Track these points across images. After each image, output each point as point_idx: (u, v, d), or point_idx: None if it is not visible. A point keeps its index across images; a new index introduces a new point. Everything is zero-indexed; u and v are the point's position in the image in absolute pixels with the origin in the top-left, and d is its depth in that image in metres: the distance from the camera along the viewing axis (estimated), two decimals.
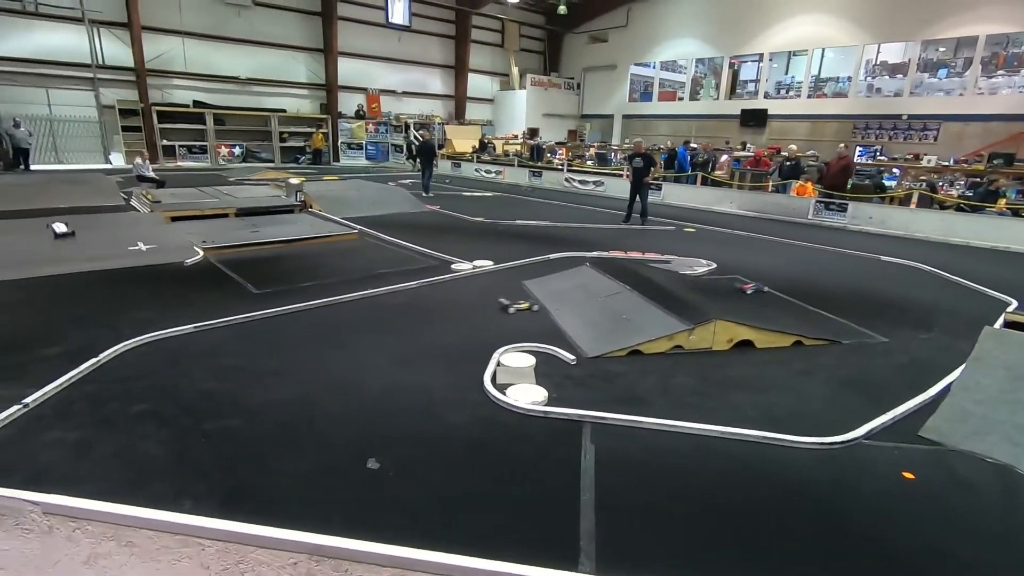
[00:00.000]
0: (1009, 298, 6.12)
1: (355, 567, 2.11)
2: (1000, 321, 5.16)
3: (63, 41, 16.85)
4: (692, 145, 16.62)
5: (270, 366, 3.89)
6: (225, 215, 9.21)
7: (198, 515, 2.31)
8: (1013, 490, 2.81)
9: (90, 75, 17.33)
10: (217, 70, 20.02)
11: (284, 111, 21.46)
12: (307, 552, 2.16)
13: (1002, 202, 10.06)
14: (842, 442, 3.14)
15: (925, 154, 15.69)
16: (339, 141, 22.88)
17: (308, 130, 21.87)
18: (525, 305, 5.26)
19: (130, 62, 17.92)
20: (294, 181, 11.30)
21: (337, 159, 22.75)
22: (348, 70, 22.82)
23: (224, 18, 19.71)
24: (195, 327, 4.46)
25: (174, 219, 8.73)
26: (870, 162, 15.71)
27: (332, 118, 22.50)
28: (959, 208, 10.44)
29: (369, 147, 23.65)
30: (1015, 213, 9.85)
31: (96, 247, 6.79)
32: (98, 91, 17.55)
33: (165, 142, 18.80)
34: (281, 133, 21.21)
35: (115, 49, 17.73)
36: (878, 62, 20.33)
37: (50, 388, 3.36)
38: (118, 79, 17.93)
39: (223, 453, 2.85)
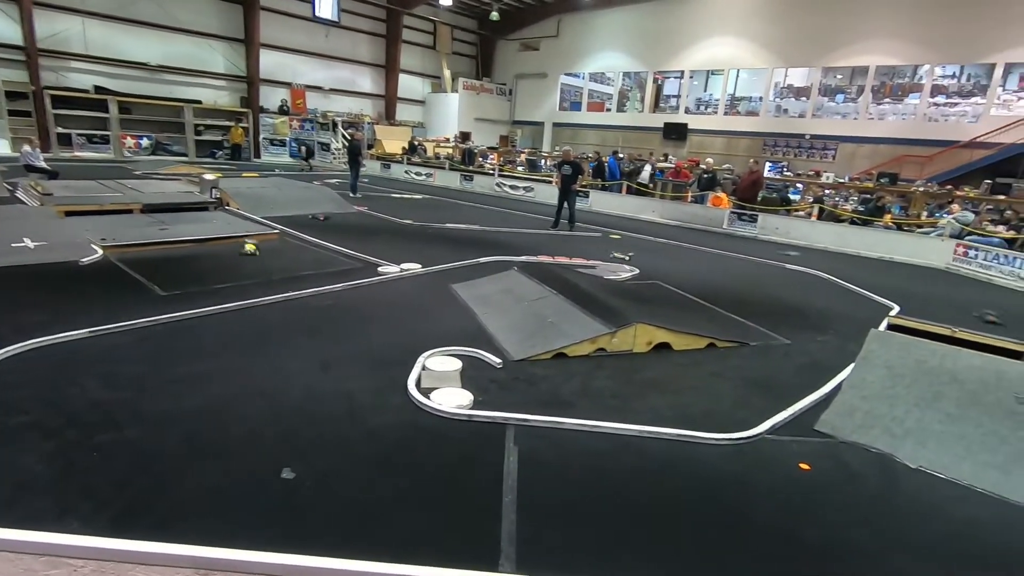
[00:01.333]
0: (892, 303, 6.79)
1: None
2: (884, 324, 5.70)
3: None
4: (620, 155, 17.25)
5: (177, 373, 3.63)
6: (129, 211, 8.52)
7: (71, 533, 2.12)
8: (891, 477, 3.12)
9: None
10: (123, 55, 18.50)
11: (200, 102, 20.16)
12: (195, 567, 2.03)
13: (887, 217, 11.15)
14: (747, 437, 3.36)
15: (824, 171, 17.18)
16: (260, 137, 21.81)
17: (226, 124, 20.66)
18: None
19: (19, 39, 16.22)
20: (209, 177, 10.66)
21: (258, 155, 21.66)
22: (271, 63, 21.83)
23: None
24: (91, 331, 4.09)
25: (68, 214, 7.97)
26: (778, 177, 16.92)
27: (253, 112, 21.41)
28: (852, 221, 11.47)
29: (293, 144, 22.69)
30: (898, 227, 10.96)
31: None
32: None
33: (60, 129, 17.13)
34: (196, 126, 19.89)
35: (1, 25, 15.98)
36: (785, 85, 22.03)
37: None
38: (4, 58, 16.17)
39: (116, 468, 2.63)
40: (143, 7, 18.54)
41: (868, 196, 12.72)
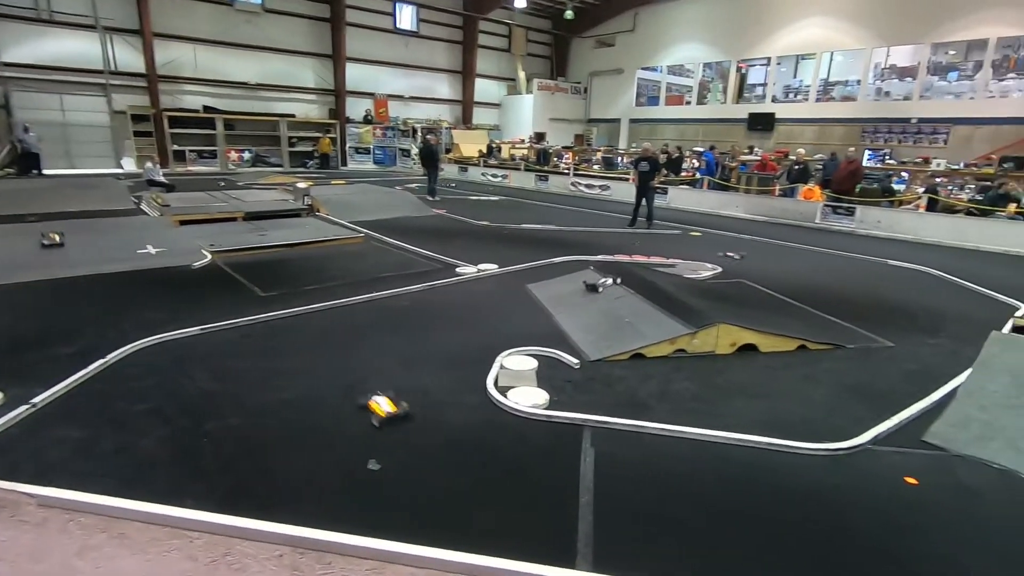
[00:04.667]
0: (1018, 302, 6.05)
1: (337, 559, 2.14)
2: (1008, 326, 5.10)
3: (77, 48, 17.13)
4: (719, 151, 16.40)
5: (275, 367, 3.92)
6: (233, 219, 9.30)
7: (186, 508, 2.34)
8: (1017, 496, 2.78)
9: (102, 81, 17.59)
10: (227, 75, 20.25)
11: (293, 116, 21.66)
12: (292, 545, 2.18)
13: (1012, 206, 9.94)
14: (847, 448, 3.12)
15: (934, 158, 15.58)
16: (347, 146, 23.04)
17: (316, 135, 22.04)
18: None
19: (142, 68, 18.18)
20: (302, 185, 11.41)
21: (345, 163, 22.90)
22: (356, 75, 23.00)
23: (234, 24, 19.94)
24: (201, 329, 4.51)
25: (183, 223, 8.82)
26: (879, 166, 15.58)
27: (340, 123, 22.67)
28: (969, 212, 10.33)
29: (376, 151, 23.79)
30: None
31: (106, 250, 6.88)
32: (110, 97, 17.81)
33: (176, 147, 19.02)
34: (290, 138, 21.39)
35: (127, 55, 17.99)
36: (887, 65, 20.21)
37: (58, 388, 3.41)
38: (130, 84, 18.18)
39: (223, 452, 2.88)
40: (243, 30, 20.19)
41: (988, 183, 11.41)
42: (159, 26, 18.27)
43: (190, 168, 19.05)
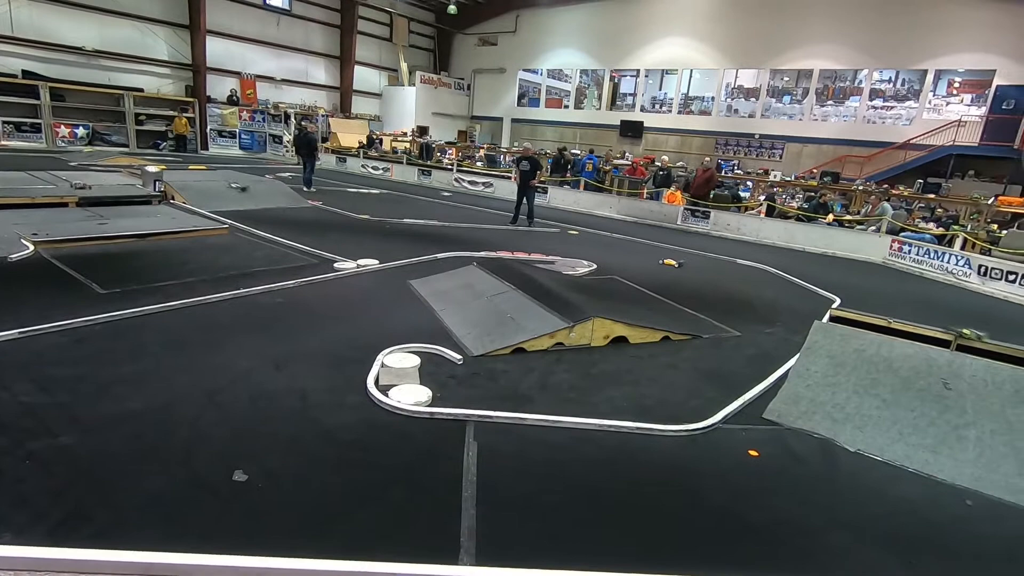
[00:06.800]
0: (834, 296, 7.14)
1: None
2: (827, 316, 5.99)
3: None
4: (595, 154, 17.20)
5: (119, 374, 3.46)
6: (64, 204, 8.02)
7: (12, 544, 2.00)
8: (832, 460, 3.28)
9: None
10: (55, 38, 17.38)
11: (141, 90, 19.17)
12: (141, 572, 1.94)
13: (830, 216, 11.70)
14: (702, 428, 3.47)
15: (773, 170, 17.85)
16: (208, 128, 20.94)
17: (170, 113, 19.71)
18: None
19: None
20: (152, 169, 10.15)
21: (205, 147, 20.79)
22: (219, 51, 20.97)
23: None
24: (21, 332, 3.84)
25: None
26: (729, 175, 17.49)
27: (200, 102, 20.51)
28: (798, 218, 11.97)
29: (244, 136, 21.90)
30: (840, 224, 11.52)
31: None
32: None
33: None
34: (137, 115, 18.89)
35: None
36: (736, 85, 22.74)
37: None
38: None
39: (53, 476, 2.49)
40: None
41: (812, 194, 13.31)
42: None
43: (5, 143, 16.12)
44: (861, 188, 13.67)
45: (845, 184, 14.56)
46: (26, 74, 16.80)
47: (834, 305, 6.62)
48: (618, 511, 2.66)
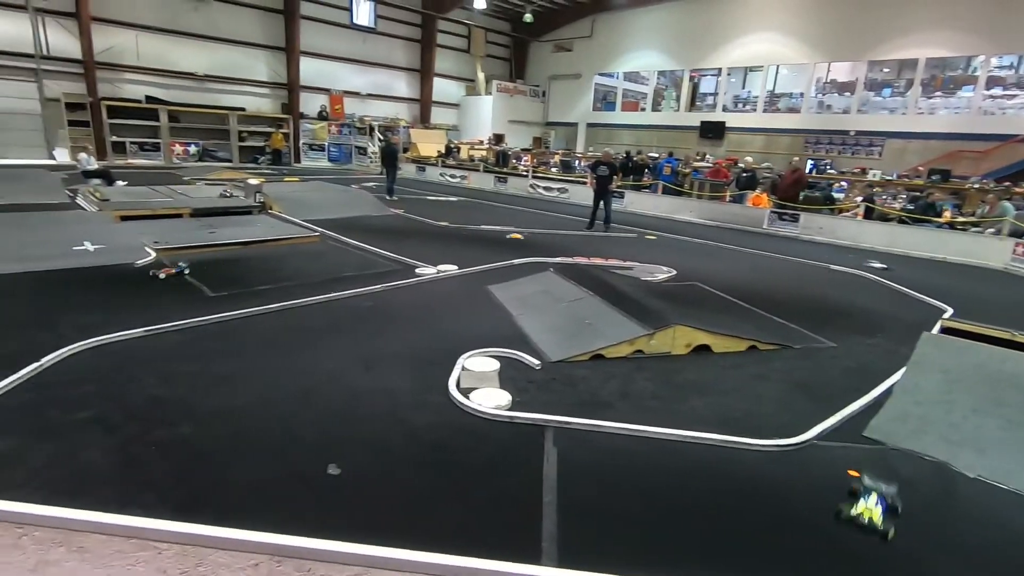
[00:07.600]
0: (945, 305, 6.49)
1: (318, 566, 2.08)
2: (937, 327, 5.47)
3: (5, 29, 15.98)
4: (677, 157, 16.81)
5: (226, 371, 3.78)
6: (179, 215, 8.89)
7: (155, 518, 2.23)
8: (948, 486, 2.98)
9: (33, 66, 16.45)
10: (172, 65, 19.35)
11: (243, 110, 20.91)
12: (268, 553, 2.11)
13: (947, 214, 10.66)
14: (795, 444, 3.27)
15: (871, 168, 16.55)
16: (300, 142, 22.43)
17: (268, 130, 21.35)
18: None
19: (78, 54, 17.15)
20: (253, 182, 11.02)
21: (298, 160, 22.28)
22: (310, 70, 22.44)
23: (180, 12, 19.10)
24: (145, 331, 4.29)
25: (124, 218, 8.37)
26: (820, 176, 16.42)
27: (293, 118, 22.05)
28: (901, 221, 11.02)
29: (332, 149, 23.26)
30: (951, 226, 10.48)
31: (36, 246, 6.45)
32: (41, 83, 16.66)
33: (115, 138, 18.03)
34: (240, 132, 20.64)
35: (62, 40, 16.93)
36: (828, 80, 21.34)
37: None
38: (64, 71, 17.11)
39: (174, 461, 2.75)
40: (191, 19, 19.36)
41: (918, 194, 12.20)
42: (98, 10, 17.28)
43: (131, 161, 18.10)
44: (977, 186, 12.36)
45: (957, 183, 13.21)
46: (149, 99, 18.82)
47: (945, 315, 6.01)
48: (702, 526, 2.56)
